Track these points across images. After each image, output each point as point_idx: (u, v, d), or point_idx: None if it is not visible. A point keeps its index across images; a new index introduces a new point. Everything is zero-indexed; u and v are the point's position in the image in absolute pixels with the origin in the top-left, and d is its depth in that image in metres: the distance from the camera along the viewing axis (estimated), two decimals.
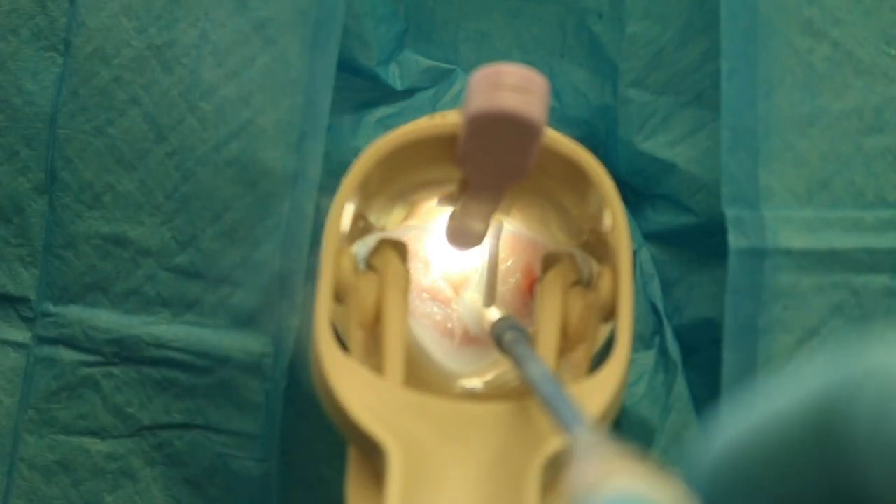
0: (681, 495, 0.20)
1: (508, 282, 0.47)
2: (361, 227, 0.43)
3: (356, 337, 0.41)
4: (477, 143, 0.38)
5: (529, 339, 0.40)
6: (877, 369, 0.18)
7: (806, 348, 0.45)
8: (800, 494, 0.19)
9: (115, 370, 0.50)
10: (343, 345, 0.41)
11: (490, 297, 0.45)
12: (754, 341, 0.45)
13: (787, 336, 0.45)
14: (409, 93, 0.53)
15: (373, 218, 0.44)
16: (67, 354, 0.50)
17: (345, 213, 0.41)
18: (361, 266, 0.43)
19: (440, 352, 0.46)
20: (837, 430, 0.18)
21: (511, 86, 0.36)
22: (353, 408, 0.37)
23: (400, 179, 0.43)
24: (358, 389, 0.38)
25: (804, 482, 0.19)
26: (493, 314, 0.42)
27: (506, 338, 0.40)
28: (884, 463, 0.18)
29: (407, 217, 0.46)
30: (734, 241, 0.45)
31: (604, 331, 0.43)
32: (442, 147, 0.40)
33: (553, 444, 0.36)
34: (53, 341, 0.51)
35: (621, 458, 0.21)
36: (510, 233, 0.47)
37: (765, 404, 0.20)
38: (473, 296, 0.47)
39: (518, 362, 0.38)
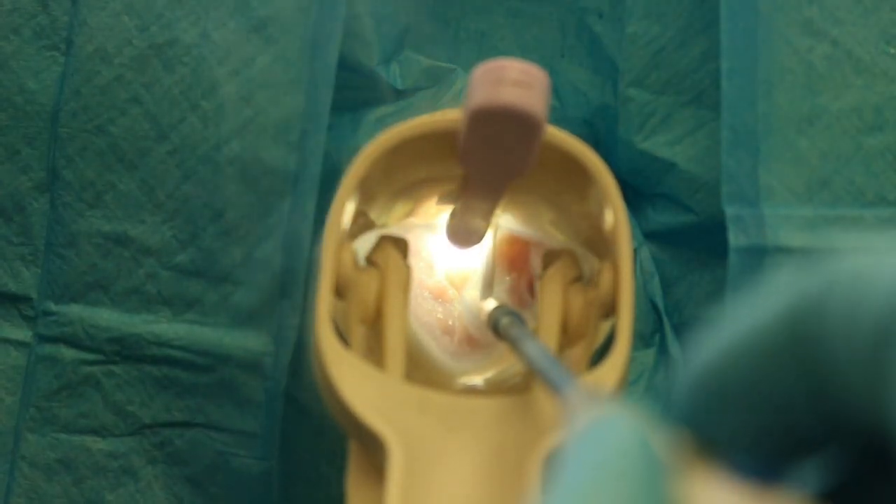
0: (653, 423, 0.20)
1: (506, 280, 0.47)
2: (362, 223, 0.43)
3: (357, 333, 0.41)
4: (478, 137, 0.38)
5: (525, 323, 0.40)
6: (844, 271, 0.19)
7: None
8: (778, 399, 0.20)
9: (116, 369, 0.50)
10: (344, 341, 0.41)
11: (487, 290, 0.45)
12: None
13: None
14: (410, 92, 0.53)
15: (374, 214, 0.44)
16: (68, 353, 0.50)
17: (346, 210, 0.41)
18: (362, 262, 0.43)
19: (441, 349, 0.46)
20: (809, 331, 0.19)
21: (512, 80, 0.36)
22: (353, 402, 0.37)
23: (401, 176, 0.43)
24: (359, 384, 0.38)
25: (781, 386, 0.20)
26: (490, 304, 0.42)
27: (502, 322, 0.40)
28: (855, 359, 0.18)
29: (408, 214, 0.46)
30: (734, 239, 0.45)
31: (604, 327, 0.43)
32: (443, 143, 0.40)
33: (554, 437, 0.36)
34: (55, 340, 0.51)
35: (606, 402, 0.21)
36: (510, 230, 0.47)
37: (740, 318, 0.20)
38: (473, 293, 0.47)
39: (514, 343, 0.38)
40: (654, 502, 0.18)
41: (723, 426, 0.21)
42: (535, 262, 0.46)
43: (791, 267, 0.20)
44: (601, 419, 0.20)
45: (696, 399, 0.21)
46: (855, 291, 0.18)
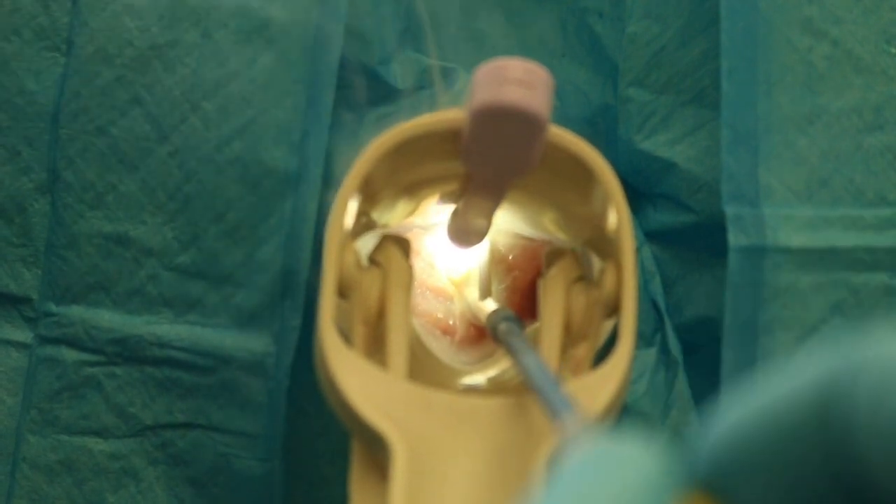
0: (656, 454, 0.20)
1: (506, 280, 0.47)
2: (364, 223, 0.43)
3: (359, 333, 0.41)
4: (481, 137, 0.38)
5: (523, 330, 0.40)
6: (875, 357, 0.19)
7: (805, 346, 0.45)
8: (800, 478, 0.20)
9: (118, 370, 0.50)
10: (347, 341, 0.41)
11: (485, 290, 0.45)
12: (754, 339, 0.45)
13: (786, 334, 0.45)
14: (410, 92, 0.53)
15: (376, 214, 0.44)
16: (70, 354, 0.50)
17: (348, 209, 0.41)
18: (364, 262, 0.43)
19: (442, 349, 0.46)
20: (837, 416, 0.19)
21: (515, 80, 0.36)
22: (356, 401, 0.37)
23: (403, 175, 0.43)
24: (362, 383, 0.38)
25: (805, 466, 0.20)
26: (489, 306, 0.43)
27: (500, 328, 0.40)
28: (882, 448, 0.18)
29: (410, 214, 0.46)
30: (734, 239, 0.45)
31: (607, 326, 0.43)
32: (445, 142, 0.40)
33: (556, 439, 0.36)
34: (56, 341, 0.51)
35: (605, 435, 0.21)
36: (512, 230, 0.47)
37: (766, 390, 0.20)
38: (474, 293, 0.47)
39: (512, 352, 0.38)
40: None
41: (740, 489, 0.21)
42: (537, 261, 0.46)
43: (822, 342, 0.20)
44: (605, 450, 0.20)
45: (715, 463, 0.21)
46: (884, 378, 0.18)
